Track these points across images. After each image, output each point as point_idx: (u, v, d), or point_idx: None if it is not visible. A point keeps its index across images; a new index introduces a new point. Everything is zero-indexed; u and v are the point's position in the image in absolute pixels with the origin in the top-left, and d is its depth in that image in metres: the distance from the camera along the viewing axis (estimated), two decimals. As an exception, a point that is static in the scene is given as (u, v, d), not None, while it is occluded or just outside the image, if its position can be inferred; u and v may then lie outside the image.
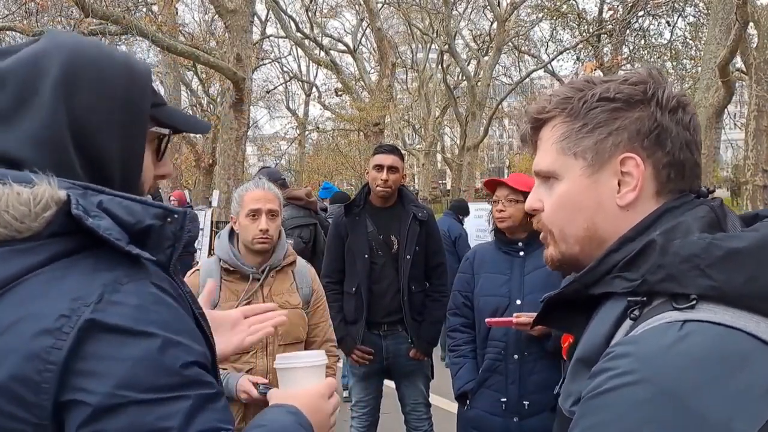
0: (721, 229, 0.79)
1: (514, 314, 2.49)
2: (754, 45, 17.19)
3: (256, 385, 2.13)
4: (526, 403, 2.55)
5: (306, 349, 2.53)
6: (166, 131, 0.98)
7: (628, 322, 0.75)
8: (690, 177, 0.85)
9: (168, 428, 0.73)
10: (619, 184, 0.84)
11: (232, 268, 2.37)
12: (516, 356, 2.59)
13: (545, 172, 0.90)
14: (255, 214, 2.35)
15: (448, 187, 31.09)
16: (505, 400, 2.59)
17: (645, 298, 0.75)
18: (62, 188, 0.78)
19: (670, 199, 0.84)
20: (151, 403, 0.72)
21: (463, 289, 2.83)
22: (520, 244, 2.69)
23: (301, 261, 2.59)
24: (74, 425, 0.71)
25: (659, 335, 0.69)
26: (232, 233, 2.46)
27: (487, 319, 2.58)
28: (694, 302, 0.71)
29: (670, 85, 0.86)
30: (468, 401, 2.73)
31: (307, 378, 1.18)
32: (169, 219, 0.83)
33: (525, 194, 1.37)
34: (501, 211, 2.67)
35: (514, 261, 2.69)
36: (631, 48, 20.11)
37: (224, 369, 2.26)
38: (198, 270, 2.42)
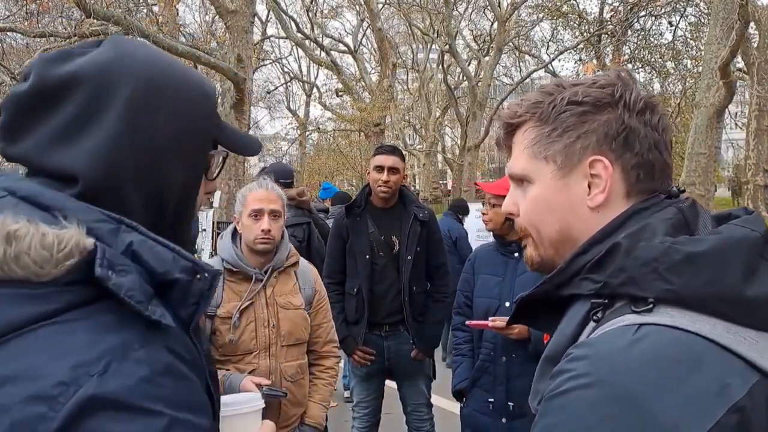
0: (688, 231, 0.80)
1: (490, 318, 2.53)
2: (755, 45, 17.19)
3: (258, 386, 2.13)
4: (511, 404, 2.57)
5: (308, 350, 2.52)
6: (222, 153, 0.95)
7: (591, 324, 0.77)
8: (660, 177, 0.87)
9: None
10: (589, 186, 0.86)
11: (234, 269, 2.37)
12: (504, 358, 2.61)
13: (518, 176, 0.92)
14: (257, 214, 2.35)
15: (449, 188, 31.08)
16: (492, 400, 2.62)
17: (607, 301, 0.77)
18: (92, 223, 0.74)
19: (639, 200, 0.85)
20: None
21: (464, 288, 2.88)
22: (513, 245, 2.71)
23: (303, 262, 2.58)
24: None
25: (615, 338, 0.71)
26: (235, 233, 2.46)
27: (467, 322, 2.63)
28: (652, 306, 0.72)
29: (638, 86, 0.88)
30: (464, 399, 2.79)
31: (252, 423, 1.14)
32: (198, 276, 0.78)
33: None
34: (484, 213, 2.77)
35: (509, 262, 2.71)
36: (633, 48, 20.10)
37: (227, 370, 2.26)
38: None
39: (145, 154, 0.80)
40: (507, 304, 2.62)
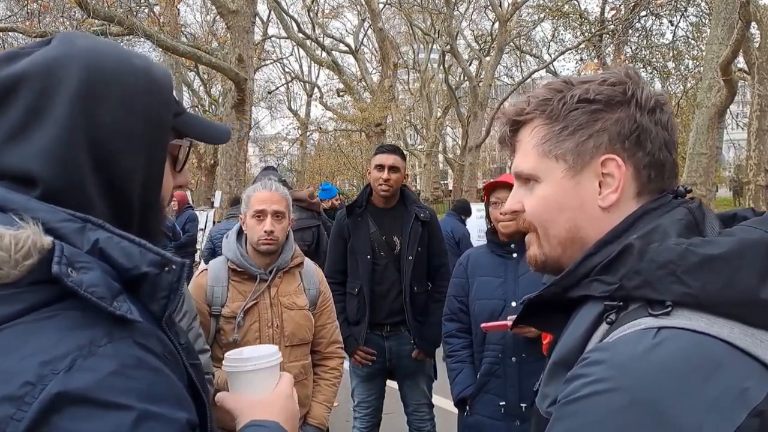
0: (699, 232, 0.79)
1: (508, 317, 2.47)
2: (757, 45, 17.16)
3: None
4: (523, 405, 2.52)
5: (313, 350, 2.52)
6: (186, 142, 0.93)
7: (604, 326, 0.76)
8: (669, 177, 0.86)
9: None
10: (600, 186, 0.84)
11: (239, 269, 2.38)
12: (514, 359, 2.56)
13: (526, 174, 0.90)
14: (260, 215, 2.36)
15: (450, 188, 31.09)
16: (503, 404, 2.56)
17: (621, 303, 0.75)
18: (56, 223, 0.74)
19: (648, 200, 0.84)
20: None
21: (458, 294, 2.81)
22: (512, 245, 2.66)
23: (309, 262, 2.59)
24: None
25: (633, 342, 0.69)
26: (240, 233, 2.47)
27: (482, 324, 2.54)
28: (670, 309, 0.71)
29: (647, 85, 0.86)
30: (468, 407, 2.69)
31: (269, 379, 1.10)
32: (166, 268, 0.78)
33: None
34: (505, 213, 2.62)
35: (508, 263, 2.67)
36: (634, 48, 20.09)
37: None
38: (206, 270, 2.43)
39: (99, 147, 0.79)
40: (513, 303, 2.57)
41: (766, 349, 0.69)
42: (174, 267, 0.78)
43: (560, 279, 0.84)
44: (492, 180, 2.78)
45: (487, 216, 2.77)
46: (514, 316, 2.47)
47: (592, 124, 0.84)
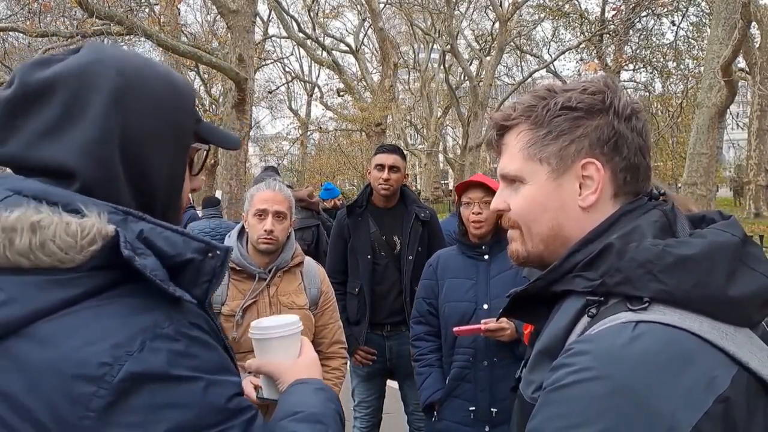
0: (672, 233, 0.87)
1: (482, 321, 2.42)
2: (757, 45, 17.14)
3: (257, 388, 2.12)
4: (494, 410, 2.46)
5: (314, 350, 2.52)
6: (205, 147, 1.00)
7: (585, 319, 0.82)
8: (643, 180, 0.93)
9: None
10: (580, 187, 0.91)
11: (238, 267, 2.38)
12: (486, 363, 2.50)
13: (512, 176, 0.96)
14: (262, 214, 2.37)
15: (451, 188, 31.09)
16: (473, 408, 2.50)
17: (602, 298, 0.82)
18: (109, 220, 0.78)
19: (625, 201, 0.92)
20: None
21: (427, 296, 2.73)
22: (484, 247, 2.61)
23: (311, 262, 2.59)
24: None
25: (615, 335, 0.76)
26: (242, 232, 2.48)
27: (455, 329, 2.46)
28: (647, 304, 0.78)
29: (623, 93, 0.94)
30: (436, 412, 2.62)
31: (295, 344, 1.21)
32: (210, 254, 0.84)
33: None
34: (478, 213, 2.56)
35: (479, 265, 2.61)
36: (634, 48, 20.10)
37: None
38: None
39: (131, 147, 0.84)
40: (485, 306, 2.51)
41: (730, 341, 0.77)
42: (218, 252, 0.85)
43: (546, 274, 0.90)
44: (465, 180, 2.73)
45: (459, 216, 2.71)
46: (488, 320, 2.44)
47: (574, 130, 0.91)
